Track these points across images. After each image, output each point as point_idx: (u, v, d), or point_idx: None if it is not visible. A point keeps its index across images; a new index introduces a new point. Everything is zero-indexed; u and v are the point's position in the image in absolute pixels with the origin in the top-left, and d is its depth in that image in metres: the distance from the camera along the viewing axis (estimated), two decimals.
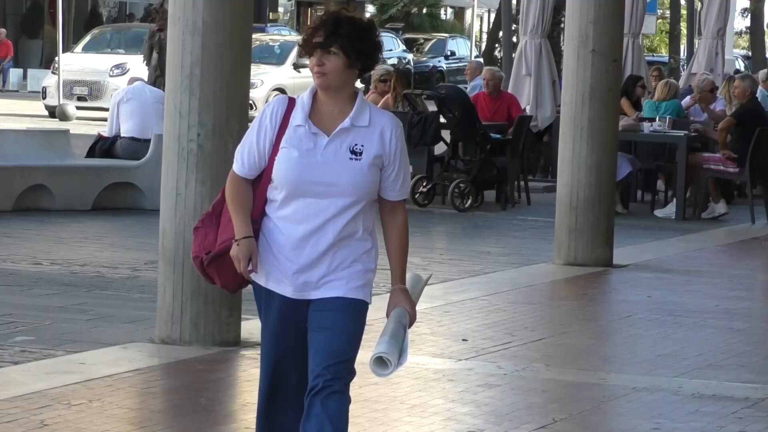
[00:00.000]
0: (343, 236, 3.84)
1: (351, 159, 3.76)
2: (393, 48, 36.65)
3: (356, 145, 3.77)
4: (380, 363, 3.67)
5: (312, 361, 3.82)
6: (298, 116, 3.82)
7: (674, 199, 16.38)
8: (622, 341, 9.84)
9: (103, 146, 15.84)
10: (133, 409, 7.25)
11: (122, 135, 15.64)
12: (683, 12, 37.51)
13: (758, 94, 17.19)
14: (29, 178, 14.65)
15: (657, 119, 16.49)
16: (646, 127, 16.47)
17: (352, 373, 3.90)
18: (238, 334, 8.69)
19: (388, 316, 3.87)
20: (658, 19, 38.67)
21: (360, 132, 3.80)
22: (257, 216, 3.88)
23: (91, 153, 15.97)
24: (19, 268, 11.70)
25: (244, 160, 3.83)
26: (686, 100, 18.50)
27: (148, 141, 14.87)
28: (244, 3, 8.78)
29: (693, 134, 16.29)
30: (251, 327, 8.80)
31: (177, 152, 8.58)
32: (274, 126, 3.82)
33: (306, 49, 3.84)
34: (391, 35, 39.33)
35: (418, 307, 4.19)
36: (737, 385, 8.06)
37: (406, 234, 4.00)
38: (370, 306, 3.95)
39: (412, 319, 3.89)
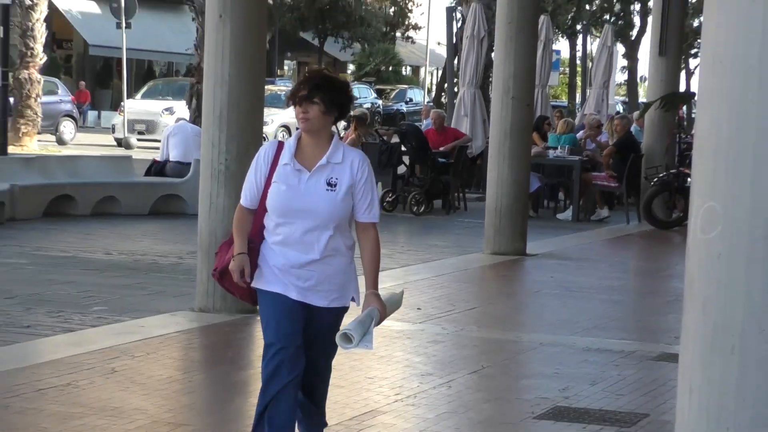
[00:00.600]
0: (327, 254, 3.66)
1: (327, 190, 3.59)
2: (368, 96, 36.14)
3: (332, 178, 3.60)
4: (345, 338, 3.49)
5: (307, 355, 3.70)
6: (285, 156, 3.66)
7: (571, 206, 16.26)
8: (532, 310, 9.88)
9: (156, 168, 15.51)
10: (179, 359, 7.23)
11: (171, 159, 15.32)
12: (578, 69, 37.01)
13: (632, 130, 17.08)
14: (103, 191, 14.38)
15: (558, 148, 16.37)
16: (551, 153, 16.25)
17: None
18: (255, 305, 8.48)
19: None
20: (560, 74, 38.67)
21: (335, 167, 3.62)
22: (255, 236, 3.70)
23: (147, 173, 15.70)
24: (96, 257, 11.52)
25: (246, 194, 3.70)
26: (580, 134, 18.32)
27: (189, 164, 14.62)
28: (259, 62, 8.57)
29: (584, 159, 15.84)
30: None
31: (210, 172, 8.28)
32: (267, 165, 3.65)
33: (293, 100, 3.69)
34: (366, 86, 38.70)
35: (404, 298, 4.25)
36: (616, 341, 8.02)
37: (377, 249, 3.75)
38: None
39: (382, 317, 3.69)
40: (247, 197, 3.68)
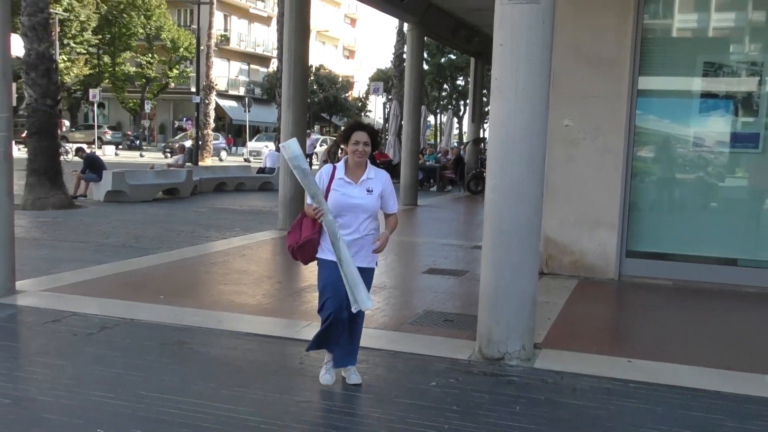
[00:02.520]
0: (365, 233, 4.59)
1: (367, 194, 4.56)
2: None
3: (369, 187, 4.57)
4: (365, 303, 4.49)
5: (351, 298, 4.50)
6: (340, 172, 4.57)
7: (435, 185, 24.50)
8: (419, 228, 11.75)
9: (261, 170, 23.99)
10: (273, 250, 10.37)
11: (267, 166, 23.76)
12: (436, 128, 58.18)
13: (460, 153, 25.99)
14: (237, 180, 23.07)
15: (429, 161, 25.84)
16: (427, 163, 25.54)
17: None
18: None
19: (380, 238, 4.63)
20: (429, 130, 57.21)
21: (371, 180, 4.59)
22: (319, 227, 4.53)
23: (259, 172, 23.94)
24: (235, 208, 17.17)
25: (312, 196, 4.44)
26: (439, 155, 27.26)
27: (274, 168, 22.42)
28: (303, 126, 13.02)
29: (440, 165, 25.20)
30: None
31: (284, 171, 12.58)
32: (327, 179, 4.56)
33: (346, 139, 4.59)
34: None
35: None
36: (455, 241, 10.51)
37: (395, 224, 4.74)
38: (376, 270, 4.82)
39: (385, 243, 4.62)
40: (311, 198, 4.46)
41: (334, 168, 4.59)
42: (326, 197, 4.48)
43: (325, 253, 4.55)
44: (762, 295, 8.25)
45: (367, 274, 4.59)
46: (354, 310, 4.43)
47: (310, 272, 8.94)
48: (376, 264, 4.73)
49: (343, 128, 4.67)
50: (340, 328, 4.65)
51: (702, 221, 8.99)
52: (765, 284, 8.47)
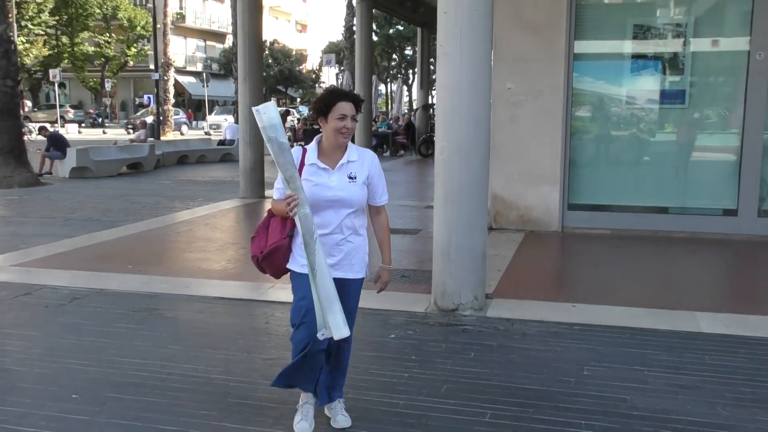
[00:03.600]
0: (350, 233, 3.33)
1: (349, 182, 3.27)
2: (305, 111, 42.91)
3: (351, 172, 3.28)
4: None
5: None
6: (311, 157, 3.29)
7: (389, 150, 23.71)
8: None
9: (221, 142, 23.13)
10: (236, 217, 10.36)
11: (227, 138, 22.91)
12: (387, 97, 57.02)
13: (411, 119, 25.78)
14: (199, 152, 22.14)
15: (382, 127, 24.82)
16: (380, 129, 24.65)
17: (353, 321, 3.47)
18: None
19: (375, 281, 3.51)
20: (381, 99, 53.52)
21: (353, 164, 3.30)
22: (290, 229, 3.30)
23: (220, 144, 22.94)
24: (199, 179, 16.75)
25: (279, 190, 3.27)
26: (391, 122, 26.58)
27: (234, 140, 21.76)
28: (260, 99, 12.91)
29: (392, 131, 24.70)
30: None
31: (243, 142, 12.19)
32: (296, 164, 3.19)
33: (325, 111, 3.25)
34: (306, 106, 48.18)
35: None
36: (411, 201, 10.69)
37: (388, 228, 3.48)
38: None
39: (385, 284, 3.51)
40: (281, 194, 3.24)
41: (304, 151, 3.32)
42: None
43: (299, 263, 3.33)
44: (690, 239, 8.44)
45: (353, 287, 3.42)
46: (320, 336, 3.19)
47: None
48: (367, 273, 3.50)
49: (318, 97, 3.33)
50: (318, 364, 3.44)
51: (636, 174, 9.13)
52: (693, 229, 8.67)
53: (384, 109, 53.85)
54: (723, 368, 4.34)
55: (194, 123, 50.06)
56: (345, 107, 3.23)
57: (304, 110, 41.13)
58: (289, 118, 29.51)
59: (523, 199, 9.01)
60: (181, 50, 55.29)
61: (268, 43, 53.82)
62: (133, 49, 51.89)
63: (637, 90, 9.00)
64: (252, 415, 3.72)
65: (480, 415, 3.69)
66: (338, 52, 43.04)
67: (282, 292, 5.94)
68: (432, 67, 29.45)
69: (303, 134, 24.17)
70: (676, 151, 9.11)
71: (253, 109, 3.05)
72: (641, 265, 7.25)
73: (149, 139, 23.24)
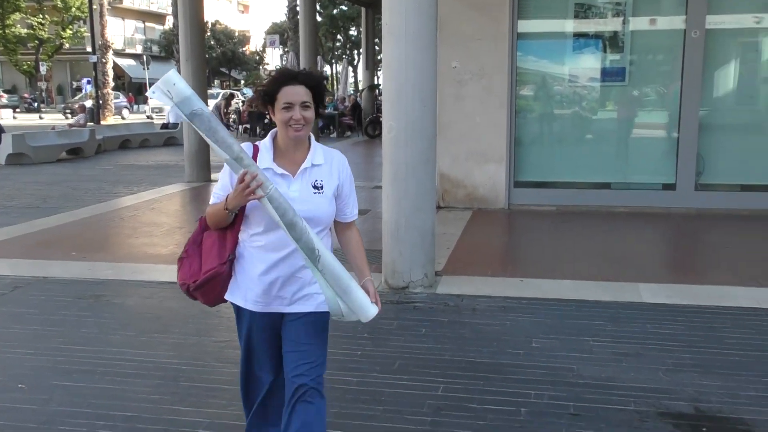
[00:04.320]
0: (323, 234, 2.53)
1: (315, 193, 2.48)
2: (249, 93, 41.76)
3: (316, 180, 2.49)
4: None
5: (289, 365, 2.54)
6: (265, 159, 2.47)
7: (335, 131, 23.68)
8: None
9: (165, 125, 22.68)
10: (174, 209, 9.74)
11: (170, 121, 22.49)
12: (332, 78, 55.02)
13: (357, 100, 25.64)
14: (141, 136, 21.44)
15: (328, 109, 24.30)
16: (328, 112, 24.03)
17: (324, 371, 2.60)
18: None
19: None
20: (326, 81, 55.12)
21: (318, 169, 2.51)
22: (234, 248, 2.52)
23: (163, 127, 22.36)
24: (142, 164, 16.39)
25: (219, 197, 2.48)
26: (338, 103, 26.21)
27: (177, 123, 21.45)
28: (203, 81, 12.64)
29: (338, 112, 24.46)
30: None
31: (189, 125, 12.07)
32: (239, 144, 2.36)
33: (269, 100, 2.47)
34: (250, 88, 46.50)
35: None
36: (361, 182, 8.96)
37: (362, 244, 2.68)
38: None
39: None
40: (218, 199, 2.50)
41: (255, 150, 2.51)
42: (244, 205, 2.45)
43: (244, 293, 2.55)
44: (632, 213, 8.69)
45: (319, 322, 2.58)
46: (337, 318, 2.47)
47: None
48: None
49: (262, 83, 2.56)
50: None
51: (579, 151, 9.32)
52: (634, 204, 8.91)
53: (329, 90, 53.50)
54: (664, 336, 4.51)
55: (135, 107, 48.86)
56: (291, 93, 2.42)
57: (249, 92, 40.40)
58: (233, 101, 29.00)
59: (470, 178, 9.12)
60: (119, 32, 53.91)
61: (209, 24, 52.90)
62: (69, 31, 50.26)
63: (579, 68, 9.17)
64: (205, 397, 3.71)
65: (432, 389, 3.76)
66: (282, 33, 42.55)
67: None
68: (377, 48, 29.32)
69: (248, 117, 23.88)
70: (617, 128, 9.33)
71: (149, 91, 2.31)
72: (586, 239, 7.43)
73: (89, 123, 22.61)
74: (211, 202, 2.55)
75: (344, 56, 54.73)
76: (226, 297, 2.60)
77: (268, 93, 2.47)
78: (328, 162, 2.58)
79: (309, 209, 2.46)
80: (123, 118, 38.84)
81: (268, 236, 2.48)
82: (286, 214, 2.33)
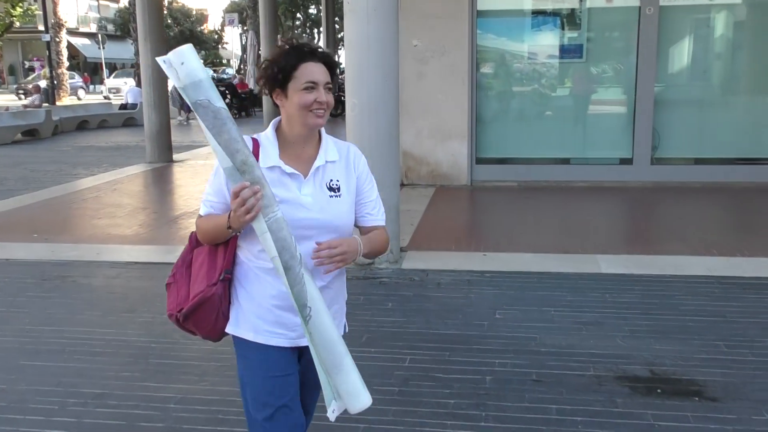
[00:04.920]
0: (331, 276, 2.05)
1: (331, 197, 2.00)
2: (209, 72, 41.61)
3: (332, 180, 2.01)
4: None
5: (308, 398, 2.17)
6: (270, 156, 1.97)
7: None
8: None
9: (123, 106, 22.12)
10: (137, 190, 9.60)
11: (129, 102, 21.94)
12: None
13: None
14: (100, 117, 21.14)
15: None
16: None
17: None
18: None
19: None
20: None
21: (332, 167, 2.03)
22: (229, 266, 2.02)
23: (122, 108, 21.86)
24: (102, 145, 15.95)
25: (214, 206, 1.99)
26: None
27: (137, 104, 20.81)
28: (160, 50, 12.35)
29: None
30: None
31: (148, 105, 12.09)
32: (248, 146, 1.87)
33: (278, 83, 1.97)
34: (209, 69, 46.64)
35: None
36: None
37: (382, 242, 2.14)
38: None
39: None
40: (210, 208, 2.01)
41: (256, 145, 2.00)
42: None
43: (249, 324, 2.05)
44: (591, 188, 8.88)
45: None
46: (332, 415, 1.97)
47: (183, 200, 8.78)
48: (345, 329, 2.25)
49: (269, 58, 2.01)
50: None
51: (539, 127, 9.47)
52: (593, 178, 9.10)
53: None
54: (621, 304, 4.68)
55: (91, 87, 47.82)
56: (315, 71, 1.95)
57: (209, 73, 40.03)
58: None
59: (433, 155, 9.20)
60: (72, 10, 52.40)
61: (166, 3, 51.86)
62: (19, 9, 48.65)
63: (538, 46, 9.28)
64: (175, 373, 3.74)
65: (400, 361, 3.85)
66: (241, 12, 41.97)
67: None
68: (337, 26, 29.11)
69: None
70: (575, 105, 9.50)
71: (159, 60, 1.86)
72: (547, 214, 7.59)
73: (44, 104, 22.10)
74: (201, 212, 2.04)
75: (304, 35, 54.33)
76: (228, 330, 2.07)
77: (282, 69, 1.95)
78: (343, 157, 2.08)
79: (326, 218, 1.98)
80: (79, 98, 38.00)
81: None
82: (285, 251, 1.84)
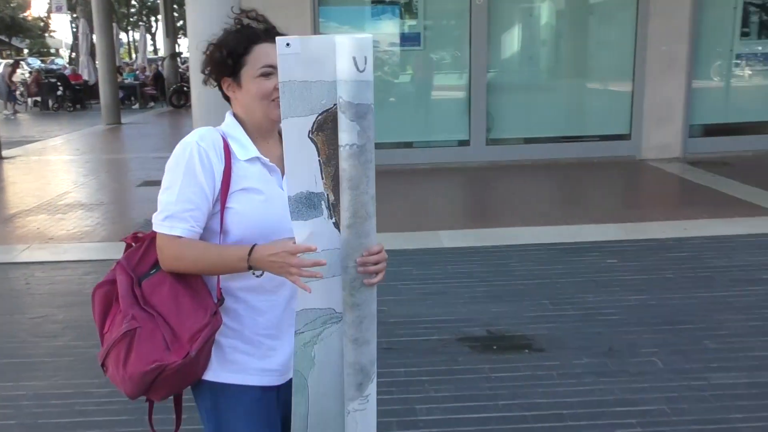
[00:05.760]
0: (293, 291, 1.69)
1: None
2: (35, 62, 37.76)
3: None
4: None
5: None
6: (246, 147, 1.67)
7: (137, 102, 21.70)
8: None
9: None
10: None
11: None
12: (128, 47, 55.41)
13: (159, 69, 24.28)
14: None
15: (128, 79, 23.65)
16: (126, 81, 22.89)
17: None
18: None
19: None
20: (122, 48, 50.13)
21: None
22: (218, 286, 1.66)
23: None
24: None
25: (185, 216, 1.58)
26: (138, 72, 24.86)
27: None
28: None
29: (139, 82, 23.28)
30: None
31: None
32: (221, 163, 1.61)
33: (233, 67, 1.68)
34: (36, 58, 42.30)
35: None
36: None
37: None
38: None
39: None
40: (188, 220, 1.59)
41: (225, 140, 1.68)
42: (222, 212, 1.63)
43: (242, 365, 1.73)
44: (433, 169, 9.35)
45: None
46: None
47: (18, 198, 8.35)
48: None
49: (214, 42, 1.73)
50: None
51: (383, 113, 9.77)
52: (434, 160, 9.59)
53: (127, 59, 50.62)
54: (462, 274, 5.08)
55: None
56: (272, 53, 1.63)
57: (35, 62, 37.34)
58: (18, 71, 26.59)
59: None
60: None
61: None
62: None
63: (380, 34, 9.62)
64: (25, 371, 3.67)
65: None
66: None
67: (38, 252, 5.72)
68: (176, 14, 28.22)
69: (38, 88, 22.05)
70: (416, 91, 9.95)
71: (280, 40, 1.52)
72: (392, 195, 7.89)
73: None
74: (175, 232, 1.58)
75: (141, 23, 52.03)
76: (208, 377, 1.69)
77: (232, 52, 1.66)
78: None
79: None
80: None
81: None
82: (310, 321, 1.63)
